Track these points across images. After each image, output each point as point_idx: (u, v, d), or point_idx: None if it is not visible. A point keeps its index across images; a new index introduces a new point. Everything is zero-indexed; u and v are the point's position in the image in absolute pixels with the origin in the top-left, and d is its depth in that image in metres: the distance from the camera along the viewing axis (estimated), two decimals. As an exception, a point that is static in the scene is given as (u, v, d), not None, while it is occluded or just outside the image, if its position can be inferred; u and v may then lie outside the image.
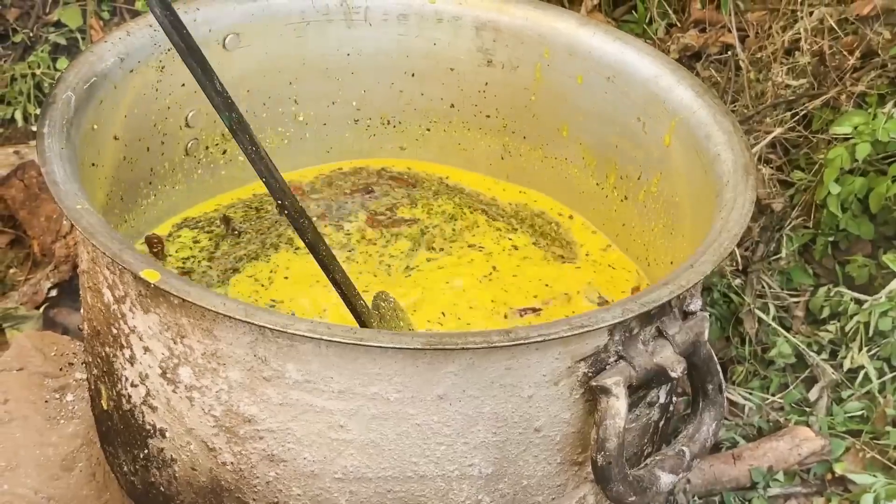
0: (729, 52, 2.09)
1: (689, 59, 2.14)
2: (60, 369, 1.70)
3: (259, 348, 1.20)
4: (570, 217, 1.73)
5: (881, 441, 1.73)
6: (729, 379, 1.85)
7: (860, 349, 1.82)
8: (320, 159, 1.79)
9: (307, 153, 1.77)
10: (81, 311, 1.44)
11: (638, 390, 1.29)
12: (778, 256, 1.93)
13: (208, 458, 1.29)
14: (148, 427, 1.33)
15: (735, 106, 2.04)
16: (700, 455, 1.33)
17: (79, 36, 2.26)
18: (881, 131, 1.81)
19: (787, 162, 1.99)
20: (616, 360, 1.25)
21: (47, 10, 2.30)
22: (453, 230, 1.68)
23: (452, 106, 1.76)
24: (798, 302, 1.91)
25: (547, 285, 1.61)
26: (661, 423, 1.40)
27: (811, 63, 1.99)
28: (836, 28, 2.00)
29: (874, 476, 1.69)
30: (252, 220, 1.67)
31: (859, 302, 1.85)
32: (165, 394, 1.29)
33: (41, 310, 1.87)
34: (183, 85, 1.59)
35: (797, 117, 1.98)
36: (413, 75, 1.74)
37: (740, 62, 2.06)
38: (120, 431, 1.39)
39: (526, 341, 1.17)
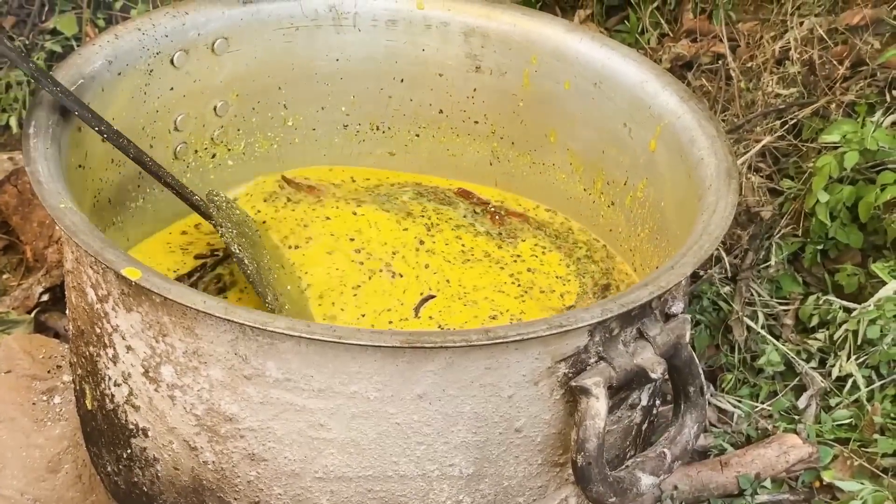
0: (720, 62, 2.10)
1: (681, 69, 2.15)
2: (48, 372, 1.71)
3: (240, 346, 1.21)
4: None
5: (869, 449, 1.73)
6: (718, 386, 1.85)
7: (849, 357, 1.82)
8: (309, 164, 1.79)
9: (296, 158, 1.78)
10: (67, 311, 1.45)
11: (619, 391, 1.29)
12: (767, 264, 1.93)
13: (190, 457, 1.30)
14: (131, 426, 1.34)
15: (726, 115, 2.04)
16: (681, 457, 1.34)
17: (74, 43, 2.28)
18: (870, 140, 1.82)
19: (777, 170, 2.00)
20: (596, 361, 1.26)
21: (43, 18, 2.31)
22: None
23: (441, 112, 1.77)
24: (787, 310, 1.91)
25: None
26: (644, 425, 1.40)
27: (801, 72, 2.00)
28: (825, 38, 2.01)
29: (862, 483, 1.68)
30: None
31: (848, 310, 1.85)
32: (148, 393, 1.29)
33: (32, 314, 1.88)
34: (171, 89, 1.60)
35: (787, 126, 1.99)
36: (402, 81, 1.75)
37: (731, 71, 2.07)
38: (104, 431, 1.39)
39: (504, 340, 1.18)
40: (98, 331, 1.32)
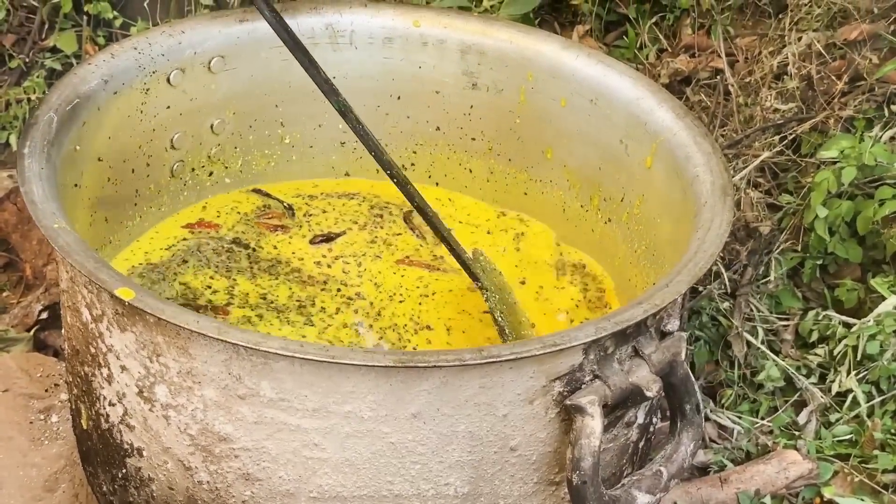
0: (718, 77, 2.11)
1: (680, 84, 2.15)
2: (46, 390, 1.71)
3: (233, 366, 1.21)
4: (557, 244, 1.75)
5: (869, 465, 1.73)
6: (718, 402, 1.85)
7: (849, 373, 1.82)
8: (307, 180, 1.79)
9: (293, 175, 1.78)
10: (63, 330, 1.45)
11: (614, 409, 1.29)
12: (766, 280, 1.93)
13: (185, 477, 1.30)
14: (126, 446, 1.34)
15: (724, 130, 2.05)
16: (678, 475, 1.33)
17: (74, 61, 2.28)
18: (867, 155, 1.82)
19: (776, 185, 2.00)
20: (591, 380, 1.25)
21: (43, 36, 2.32)
22: None
23: (438, 129, 1.77)
24: (787, 325, 1.91)
25: None
26: (641, 443, 1.40)
27: (799, 87, 2.00)
28: (823, 53, 2.01)
29: (862, 500, 1.69)
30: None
31: (848, 325, 1.85)
32: (142, 412, 1.29)
33: (32, 332, 1.88)
34: (168, 107, 1.61)
35: (785, 141, 1.99)
36: (399, 98, 1.76)
37: (730, 87, 2.07)
38: (99, 451, 1.39)
39: (498, 359, 1.18)
40: (93, 350, 1.32)
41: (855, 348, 1.81)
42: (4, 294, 2.00)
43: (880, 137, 1.87)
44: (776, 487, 1.71)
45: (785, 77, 2.03)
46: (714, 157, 1.47)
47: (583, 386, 1.25)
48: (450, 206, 1.79)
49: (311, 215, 1.74)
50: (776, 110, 2.01)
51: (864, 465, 1.73)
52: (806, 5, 2.05)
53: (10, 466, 1.59)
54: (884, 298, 1.83)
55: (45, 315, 1.91)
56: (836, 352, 1.83)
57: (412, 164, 1.80)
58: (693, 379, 1.33)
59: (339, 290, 1.61)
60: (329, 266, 1.65)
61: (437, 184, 1.81)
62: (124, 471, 1.36)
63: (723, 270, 1.91)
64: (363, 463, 1.24)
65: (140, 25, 2.27)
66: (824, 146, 1.89)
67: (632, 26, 2.20)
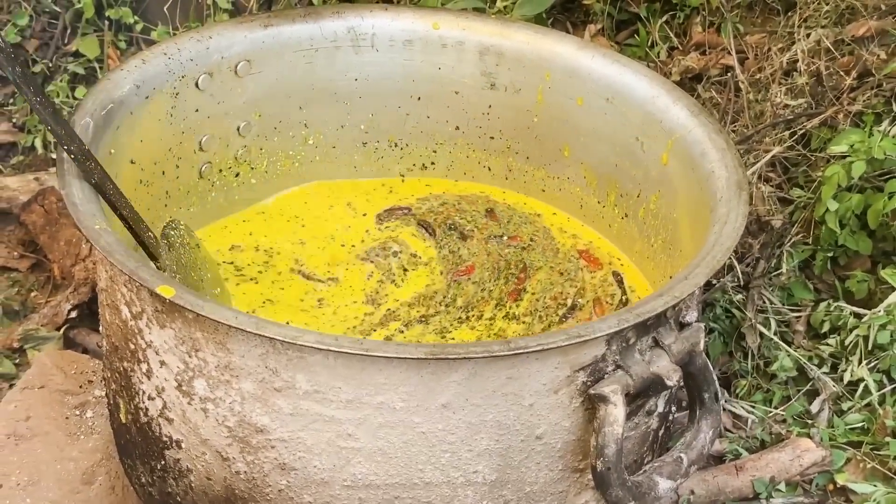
0: (729, 74, 2.13)
1: (691, 81, 2.18)
2: (80, 387, 1.75)
3: (270, 360, 1.25)
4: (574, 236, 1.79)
5: (881, 452, 1.75)
6: (732, 392, 1.88)
7: (860, 362, 1.84)
8: (331, 180, 1.83)
9: (317, 175, 1.82)
10: (100, 328, 1.49)
11: (636, 399, 1.33)
12: (778, 272, 1.95)
13: (222, 467, 1.34)
14: (165, 439, 1.38)
15: (735, 126, 2.07)
16: (697, 461, 1.37)
17: (97, 65, 2.32)
18: (877, 149, 1.84)
19: (787, 180, 2.02)
20: (614, 370, 1.29)
21: (66, 41, 2.35)
22: None
23: (457, 128, 1.81)
24: (799, 317, 1.93)
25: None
26: (661, 431, 1.44)
27: (809, 83, 2.03)
28: (832, 49, 2.03)
29: (875, 486, 1.71)
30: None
31: (859, 316, 1.86)
32: (181, 406, 1.34)
33: (61, 331, 1.92)
34: (196, 111, 1.65)
35: (796, 136, 2.01)
36: (419, 99, 1.79)
37: (740, 83, 2.09)
38: (138, 444, 1.43)
39: (525, 350, 1.22)
40: (132, 347, 1.36)
41: (866, 338, 1.83)
42: (33, 294, 2.04)
43: (889, 132, 1.89)
44: (790, 474, 1.73)
45: (794, 73, 2.05)
46: (728, 153, 1.50)
47: (606, 376, 1.29)
48: (469, 203, 1.83)
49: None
50: (786, 106, 2.03)
51: (875, 452, 1.76)
52: (814, 3, 2.07)
53: (47, 461, 1.62)
54: (893, 289, 1.85)
55: (73, 314, 1.95)
56: (847, 342, 1.85)
57: (432, 163, 1.84)
58: (711, 368, 1.37)
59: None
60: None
61: (456, 181, 1.86)
62: (163, 462, 1.40)
63: (736, 263, 1.94)
64: (395, 452, 1.28)
65: (160, 30, 2.31)
66: (834, 141, 1.91)
67: (643, 25, 2.23)
